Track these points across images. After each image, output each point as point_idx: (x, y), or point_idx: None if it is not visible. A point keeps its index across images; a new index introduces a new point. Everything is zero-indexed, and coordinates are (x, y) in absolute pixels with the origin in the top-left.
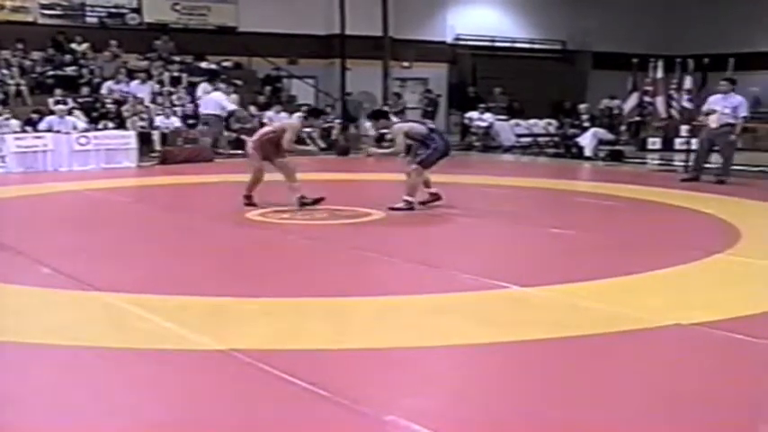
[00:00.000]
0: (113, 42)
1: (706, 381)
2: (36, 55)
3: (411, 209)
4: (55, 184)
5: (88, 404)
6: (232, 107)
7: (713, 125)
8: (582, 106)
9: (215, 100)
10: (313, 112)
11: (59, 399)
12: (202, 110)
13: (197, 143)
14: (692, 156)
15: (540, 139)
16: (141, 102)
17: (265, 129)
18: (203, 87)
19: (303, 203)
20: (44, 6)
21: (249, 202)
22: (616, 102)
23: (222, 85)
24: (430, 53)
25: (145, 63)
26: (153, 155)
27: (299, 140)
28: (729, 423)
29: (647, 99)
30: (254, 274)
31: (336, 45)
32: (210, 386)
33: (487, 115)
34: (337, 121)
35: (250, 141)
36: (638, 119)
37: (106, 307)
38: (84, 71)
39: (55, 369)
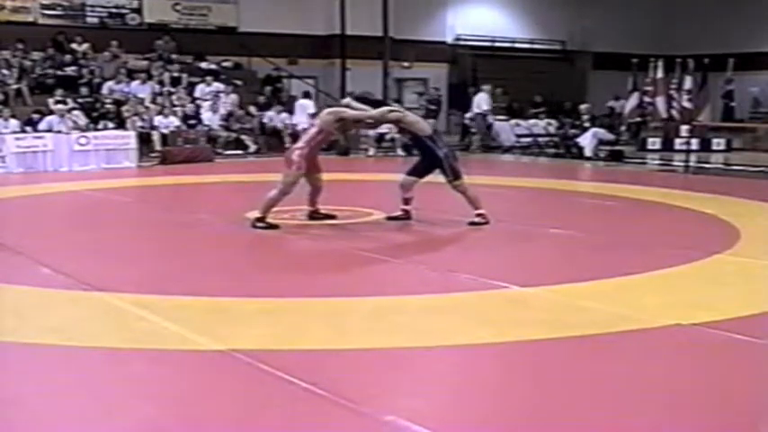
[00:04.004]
0: (114, 42)
1: (706, 381)
2: (36, 55)
3: (486, 222)
4: (55, 184)
5: (88, 404)
6: (486, 107)
7: None
8: (583, 107)
9: (479, 100)
10: (361, 99)
11: (59, 398)
12: (475, 109)
13: (197, 143)
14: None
15: (540, 139)
16: (141, 102)
17: (310, 132)
18: (483, 86)
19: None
20: (44, 6)
21: (316, 215)
22: (618, 102)
23: (487, 86)
24: (430, 53)
25: (145, 63)
26: (153, 155)
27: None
28: (729, 423)
29: (647, 99)
30: (254, 274)
31: (336, 45)
32: (210, 386)
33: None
34: None
35: (295, 150)
36: (638, 119)
37: (106, 307)
38: (85, 71)
39: (54, 369)
